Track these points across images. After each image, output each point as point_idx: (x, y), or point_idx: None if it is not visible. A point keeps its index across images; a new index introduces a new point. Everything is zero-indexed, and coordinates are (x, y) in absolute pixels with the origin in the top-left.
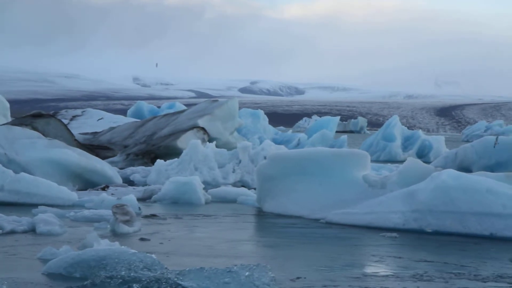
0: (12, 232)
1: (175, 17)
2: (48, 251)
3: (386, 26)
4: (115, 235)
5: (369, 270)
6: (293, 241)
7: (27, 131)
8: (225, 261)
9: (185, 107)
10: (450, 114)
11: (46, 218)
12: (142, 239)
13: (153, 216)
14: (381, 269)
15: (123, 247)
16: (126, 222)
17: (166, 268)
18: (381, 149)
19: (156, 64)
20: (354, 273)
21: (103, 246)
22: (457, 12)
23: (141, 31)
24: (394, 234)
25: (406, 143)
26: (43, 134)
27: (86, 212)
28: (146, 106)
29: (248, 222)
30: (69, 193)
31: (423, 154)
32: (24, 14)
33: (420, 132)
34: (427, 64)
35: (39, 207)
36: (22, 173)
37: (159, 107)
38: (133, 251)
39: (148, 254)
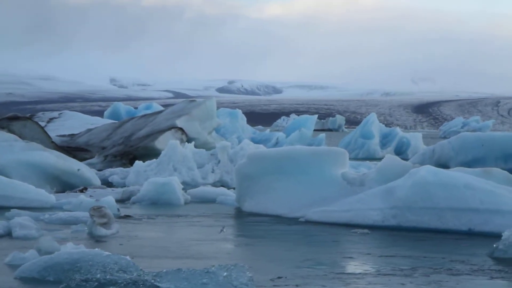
0: None
1: (153, 18)
2: (16, 255)
3: (364, 25)
4: (93, 237)
5: (349, 268)
6: (272, 240)
7: (3, 134)
8: (203, 261)
9: (162, 108)
10: (427, 111)
11: (22, 222)
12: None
13: (127, 217)
14: (361, 267)
15: (96, 249)
16: (104, 224)
17: (141, 270)
18: (359, 146)
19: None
20: (334, 271)
21: (66, 248)
22: (437, 11)
23: (119, 32)
24: (366, 231)
25: (384, 141)
26: (20, 137)
27: (61, 214)
28: (123, 107)
29: (227, 222)
30: (46, 196)
31: (401, 151)
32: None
33: (398, 129)
34: (404, 62)
35: (11, 210)
36: None
37: (136, 108)
38: (107, 253)
39: (122, 256)
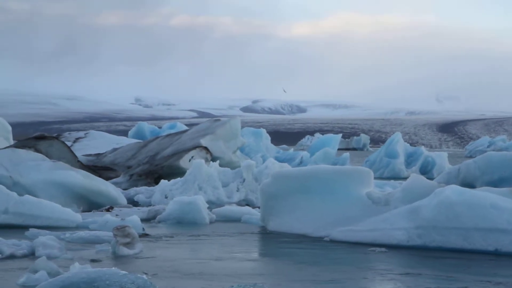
0: (12, 257)
1: (181, 38)
2: (31, 277)
3: (390, 44)
4: (116, 257)
5: None
6: (296, 260)
7: (31, 154)
8: (223, 281)
9: (186, 127)
10: (452, 130)
11: (45, 241)
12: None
13: (145, 235)
14: (385, 287)
15: (113, 268)
16: (127, 244)
17: None
18: (384, 166)
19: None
20: None
21: (74, 269)
22: (462, 30)
23: (145, 52)
24: (383, 249)
25: (409, 160)
26: (47, 156)
27: (82, 234)
28: (147, 126)
29: (252, 241)
30: (73, 215)
31: (426, 171)
32: (28, 36)
33: (423, 148)
34: (429, 80)
35: (30, 229)
36: (26, 196)
37: (160, 127)
38: (124, 272)
39: (139, 275)
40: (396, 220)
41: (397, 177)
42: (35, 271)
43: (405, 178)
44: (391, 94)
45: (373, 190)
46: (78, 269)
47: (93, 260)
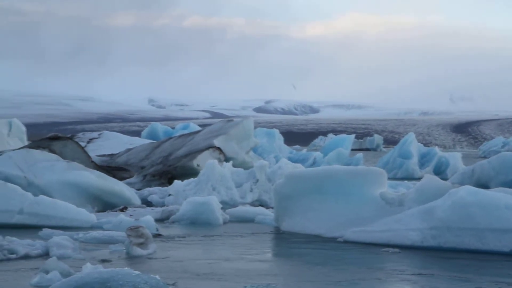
0: (26, 257)
1: (194, 39)
2: (44, 277)
3: (404, 43)
4: (129, 257)
5: None
6: (308, 260)
7: (46, 154)
8: (236, 281)
9: (199, 128)
10: (466, 130)
11: (59, 241)
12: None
13: (158, 236)
14: (398, 287)
15: (126, 268)
16: (141, 245)
17: None
18: (398, 166)
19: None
20: None
21: (86, 269)
22: (475, 29)
23: (158, 53)
24: (397, 250)
25: (423, 160)
26: (61, 157)
27: (95, 234)
28: (160, 127)
29: (265, 241)
30: (87, 215)
31: (440, 171)
32: (42, 37)
33: (437, 149)
34: (443, 80)
35: (43, 229)
36: (41, 196)
37: (173, 128)
38: (137, 272)
39: (152, 275)
40: (410, 221)
41: (410, 178)
42: (46, 271)
43: (418, 179)
44: (404, 94)
45: (386, 191)
46: (90, 269)
47: (103, 260)
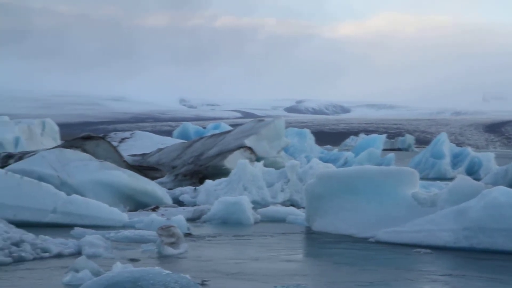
0: (59, 255)
1: (226, 39)
2: (75, 276)
3: (436, 43)
4: (159, 257)
5: None
6: (339, 261)
7: (78, 154)
8: (267, 281)
9: (230, 128)
10: (499, 130)
11: (92, 240)
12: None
13: (189, 235)
14: None
15: (157, 268)
16: (172, 244)
17: None
18: (430, 166)
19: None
20: None
21: (116, 268)
22: (509, 26)
23: (190, 53)
24: (428, 251)
25: (455, 160)
26: (93, 156)
27: (127, 233)
28: (191, 127)
29: (296, 241)
30: (119, 214)
31: (472, 171)
32: (75, 38)
33: (469, 149)
34: (475, 79)
35: (75, 228)
36: (74, 195)
37: (204, 128)
38: (167, 271)
39: (182, 275)
40: (442, 221)
41: (442, 178)
42: (76, 270)
43: (451, 179)
44: (436, 94)
45: (418, 191)
46: (120, 268)
47: (132, 259)
